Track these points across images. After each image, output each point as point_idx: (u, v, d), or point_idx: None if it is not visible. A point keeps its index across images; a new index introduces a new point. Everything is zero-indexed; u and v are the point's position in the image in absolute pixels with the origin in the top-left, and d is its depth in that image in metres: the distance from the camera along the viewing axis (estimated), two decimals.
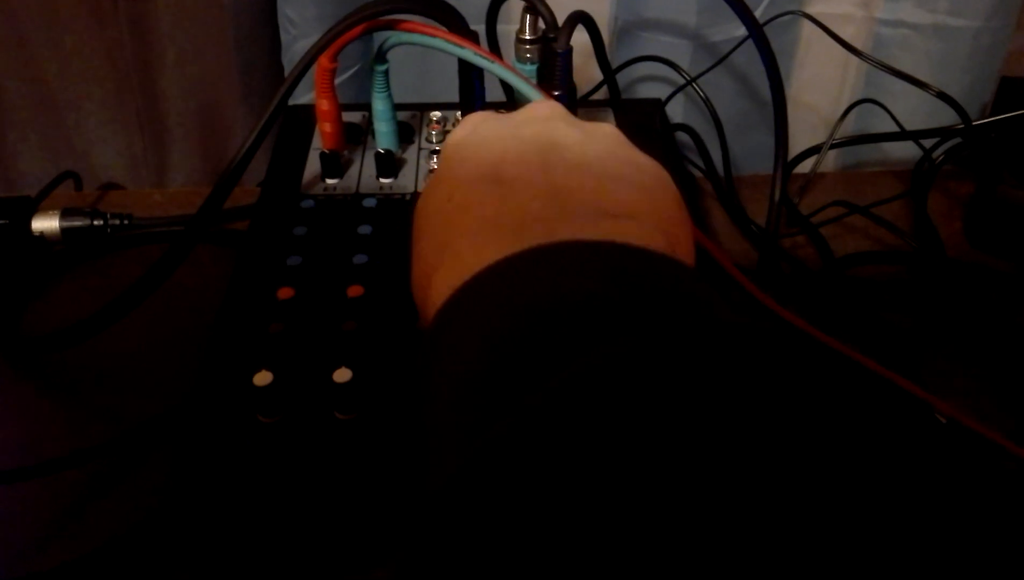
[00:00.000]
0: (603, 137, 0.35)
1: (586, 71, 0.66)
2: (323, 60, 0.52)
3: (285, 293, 0.45)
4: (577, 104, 0.57)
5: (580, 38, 0.54)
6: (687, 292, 0.26)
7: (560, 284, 0.26)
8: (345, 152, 0.56)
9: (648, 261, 0.28)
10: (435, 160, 0.56)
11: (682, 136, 0.69)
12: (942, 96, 0.64)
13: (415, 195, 0.53)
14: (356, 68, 0.71)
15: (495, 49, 0.61)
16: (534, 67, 0.54)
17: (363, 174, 0.55)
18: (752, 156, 0.74)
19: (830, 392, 0.19)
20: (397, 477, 0.41)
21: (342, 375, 0.41)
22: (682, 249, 0.32)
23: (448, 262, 0.31)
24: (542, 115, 0.36)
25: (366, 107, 0.58)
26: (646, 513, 0.17)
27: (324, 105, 0.54)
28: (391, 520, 0.43)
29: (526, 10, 0.53)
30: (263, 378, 0.40)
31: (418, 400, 0.29)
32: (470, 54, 0.49)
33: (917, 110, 0.69)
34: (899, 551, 0.16)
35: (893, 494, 0.17)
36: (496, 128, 0.36)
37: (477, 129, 0.36)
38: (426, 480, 0.27)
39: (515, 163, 0.33)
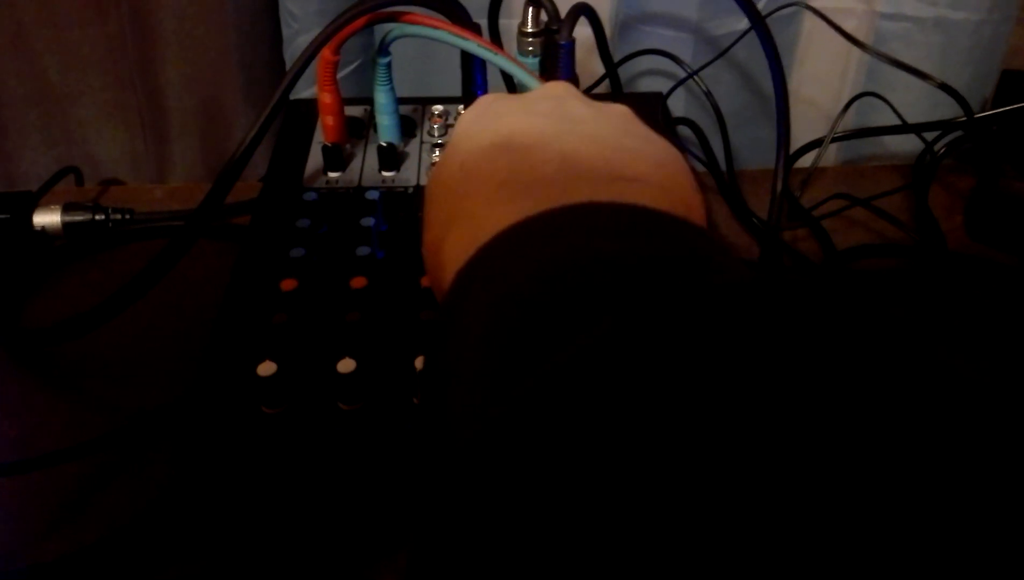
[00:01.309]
0: (616, 115, 0.35)
1: (588, 65, 0.66)
2: (326, 53, 0.52)
3: (289, 284, 0.45)
4: None
5: (582, 32, 0.54)
6: (706, 254, 0.26)
7: (579, 245, 0.26)
8: (347, 145, 0.56)
9: (666, 223, 0.27)
10: (437, 153, 0.56)
11: (684, 130, 0.69)
12: (944, 88, 0.64)
13: (418, 188, 0.53)
14: (357, 63, 0.71)
15: (497, 43, 0.61)
16: (536, 60, 0.54)
17: (365, 167, 0.55)
18: (753, 150, 0.74)
19: (860, 350, 0.19)
20: (401, 465, 0.41)
21: (346, 366, 0.41)
22: (696, 216, 0.31)
23: (461, 225, 0.30)
24: (555, 93, 0.36)
25: (367, 101, 0.58)
26: (668, 484, 0.16)
27: (326, 98, 0.54)
28: (395, 509, 0.43)
29: (529, 3, 0.53)
30: (267, 369, 0.40)
31: (435, 363, 0.28)
32: (474, 46, 0.49)
33: (918, 104, 0.70)
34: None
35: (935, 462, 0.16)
36: (509, 105, 0.36)
37: (491, 106, 0.36)
38: (445, 443, 0.27)
39: (527, 133, 0.33)
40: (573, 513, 0.17)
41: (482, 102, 0.38)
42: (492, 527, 0.18)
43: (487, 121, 0.35)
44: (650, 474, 0.17)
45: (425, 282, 0.46)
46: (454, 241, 0.30)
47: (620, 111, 0.36)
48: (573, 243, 0.26)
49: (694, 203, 0.32)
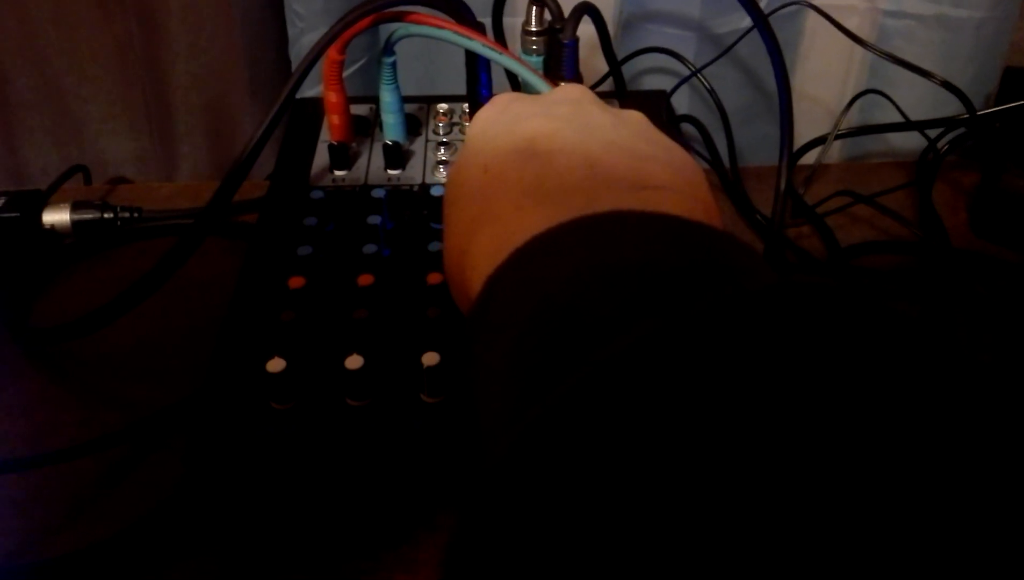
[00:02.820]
0: (633, 121, 0.35)
1: (591, 63, 0.66)
2: (332, 52, 0.52)
3: (296, 282, 0.46)
4: None
5: (585, 30, 0.54)
6: (737, 260, 0.26)
7: (619, 249, 0.26)
8: (353, 144, 0.56)
9: (694, 230, 0.28)
10: (443, 151, 0.56)
11: (687, 127, 0.70)
12: (947, 85, 0.64)
13: (423, 186, 0.54)
14: (362, 61, 0.72)
15: (501, 42, 0.61)
16: (540, 59, 0.55)
17: (371, 166, 0.55)
18: (756, 147, 0.74)
19: (907, 352, 0.19)
20: (408, 460, 0.42)
21: (354, 362, 0.41)
22: (716, 220, 0.32)
23: (488, 228, 0.31)
24: (573, 97, 0.37)
25: (373, 100, 0.58)
26: (715, 486, 0.16)
27: (332, 97, 0.55)
28: (402, 504, 0.44)
29: (532, 1, 0.54)
30: (276, 365, 0.41)
31: (467, 368, 0.28)
32: (478, 45, 0.49)
33: (921, 101, 0.70)
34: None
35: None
36: (528, 107, 0.36)
37: (509, 107, 0.37)
38: (483, 441, 0.27)
39: (551, 137, 0.33)
40: (613, 519, 0.16)
41: (499, 102, 0.38)
42: (529, 535, 0.17)
43: (507, 123, 0.35)
44: (693, 480, 0.16)
45: (431, 280, 0.46)
46: (483, 244, 0.30)
47: (637, 117, 0.36)
48: (608, 249, 0.26)
49: (712, 207, 0.32)
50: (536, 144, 0.33)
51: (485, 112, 0.37)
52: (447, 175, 0.36)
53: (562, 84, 0.39)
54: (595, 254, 0.26)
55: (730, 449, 0.17)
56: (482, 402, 0.27)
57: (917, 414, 0.17)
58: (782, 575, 0.15)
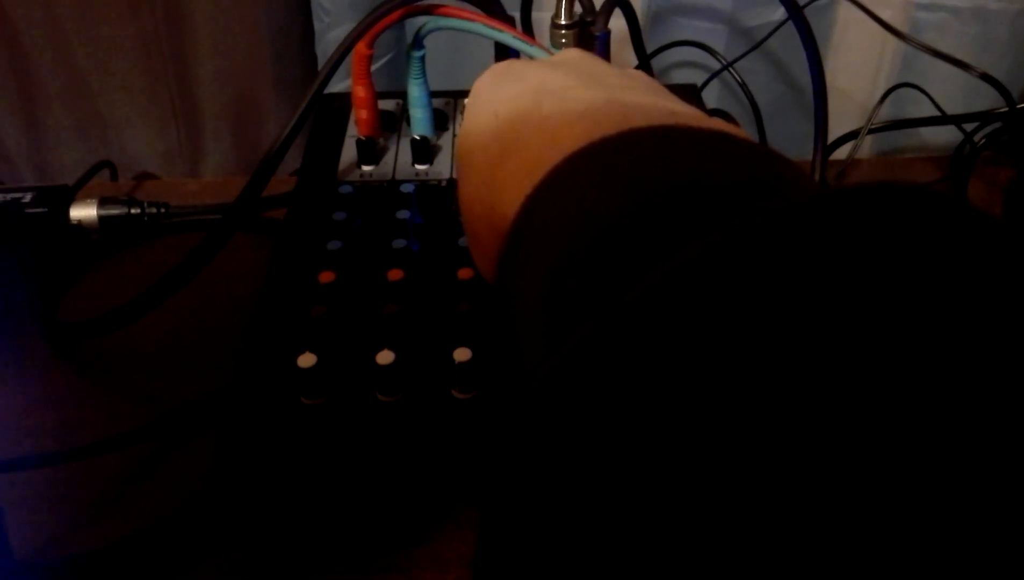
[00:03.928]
0: (638, 74, 0.34)
1: (621, 56, 0.66)
2: (360, 47, 0.52)
3: (326, 277, 0.45)
4: None
5: (614, 23, 0.53)
6: (801, 181, 0.23)
7: (666, 163, 0.24)
8: (381, 139, 0.56)
9: (754, 149, 0.25)
10: None
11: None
12: (986, 77, 0.63)
13: (451, 182, 0.53)
14: (389, 56, 0.71)
15: (529, 35, 0.61)
16: None
17: (399, 161, 0.55)
18: (787, 141, 0.73)
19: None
20: (439, 459, 0.41)
21: (384, 357, 0.41)
22: None
23: (515, 158, 0.28)
24: (574, 55, 0.35)
25: (399, 95, 0.58)
26: (767, 431, 0.14)
27: (361, 92, 0.54)
28: (432, 499, 0.43)
29: None
30: (307, 360, 0.40)
31: (502, 295, 0.26)
32: (508, 38, 0.48)
33: (954, 95, 0.69)
34: None
35: None
36: (529, 64, 0.35)
37: (510, 67, 0.35)
38: (521, 375, 0.24)
39: (559, 79, 0.31)
40: (651, 472, 0.14)
41: (497, 68, 0.36)
42: (564, 491, 0.15)
43: (511, 79, 0.33)
44: (736, 429, 0.14)
45: (462, 275, 0.46)
46: (511, 173, 0.28)
47: (641, 73, 0.34)
48: (654, 164, 0.24)
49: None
50: (545, 85, 0.31)
51: (484, 77, 0.35)
52: (458, 135, 0.34)
53: (563, 49, 0.38)
54: (640, 168, 0.24)
55: (784, 394, 0.14)
56: (521, 337, 0.24)
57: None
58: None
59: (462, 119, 0.58)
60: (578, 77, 0.31)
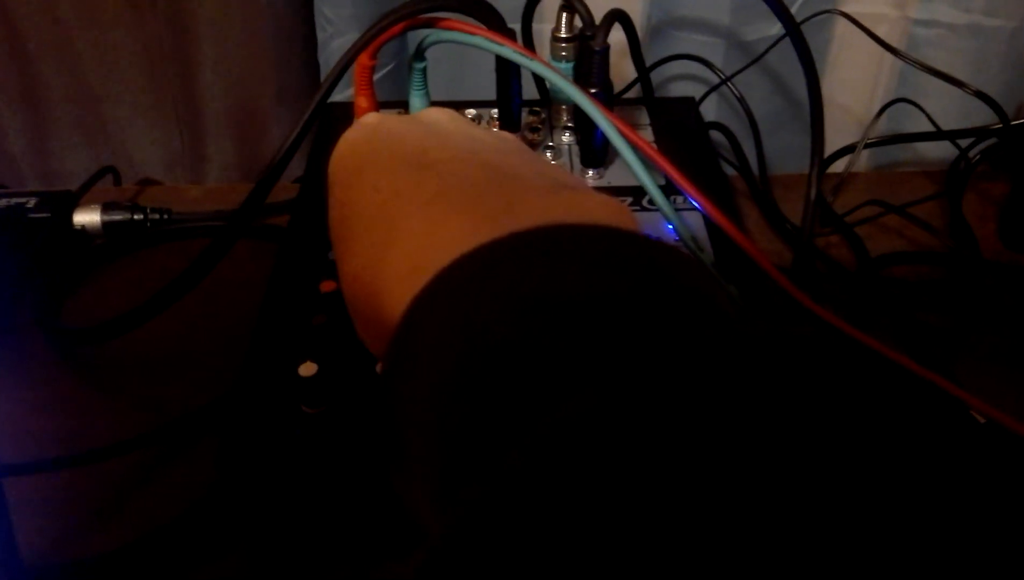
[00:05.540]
0: (510, 137, 0.34)
1: (619, 69, 0.66)
2: (363, 57, 0.52)
3: (328, 286, 0.46)
4: (614, 101, 0.57)
5: (614, 36, 0.54)
6: (692, 281, 0.24)
7: (558, 277, 0.23)
8: None
9: (644, 247, 0.25)
10: None
11: (716, 135, 0.69)
12: (980, 95, 0.64)
13: None
14: (391, 66, 0.72)
15: (530, 48, 0.61)
16: (570, 65, 0.55)
17: None
18: (785, 155, 0.74)
19: (861, 390, 0.18)
20: None
21: None
22: (634, 227, 0.29)
23: (398, 247, 0.27)
24: (446, 115, 0.35)
25: (400, 104, 0.58)
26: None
27: (363, 102, 0.55)
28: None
29: (563, 8, 0.54)
30: (308, 369, 0.41)
31: (389, 391, 0.25)
32: (510, 52, 0.49)
33: (950, 111, 0.69)
34: (935, 549, 0.15)
35: (928, 493, 0.16)
36: (401, 123, 0.34)
37: (381, 124, 0.34)
38: (409, 503, 0.24)
39: (440, 148, 0.30)
40: None
41: (362, 124, 0.35)
42: None
43: (385, 141, 0.32)
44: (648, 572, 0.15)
45: None
46: (395, 265, 0.27)
47: (510, 136, 0.35)
48: (545, 277, 0.23)
49: (626, 213, 0.29)
50: (426, 156, 0.30)
51: (350, 134, 0.34)
52: (331, 204, 0.33)
53: (426, 108, 0.37)
54: (525, 284, 0.23)
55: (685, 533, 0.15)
56: (408, 437, 0.24)
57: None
58: None
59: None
60: (456, 147, 0.31)
